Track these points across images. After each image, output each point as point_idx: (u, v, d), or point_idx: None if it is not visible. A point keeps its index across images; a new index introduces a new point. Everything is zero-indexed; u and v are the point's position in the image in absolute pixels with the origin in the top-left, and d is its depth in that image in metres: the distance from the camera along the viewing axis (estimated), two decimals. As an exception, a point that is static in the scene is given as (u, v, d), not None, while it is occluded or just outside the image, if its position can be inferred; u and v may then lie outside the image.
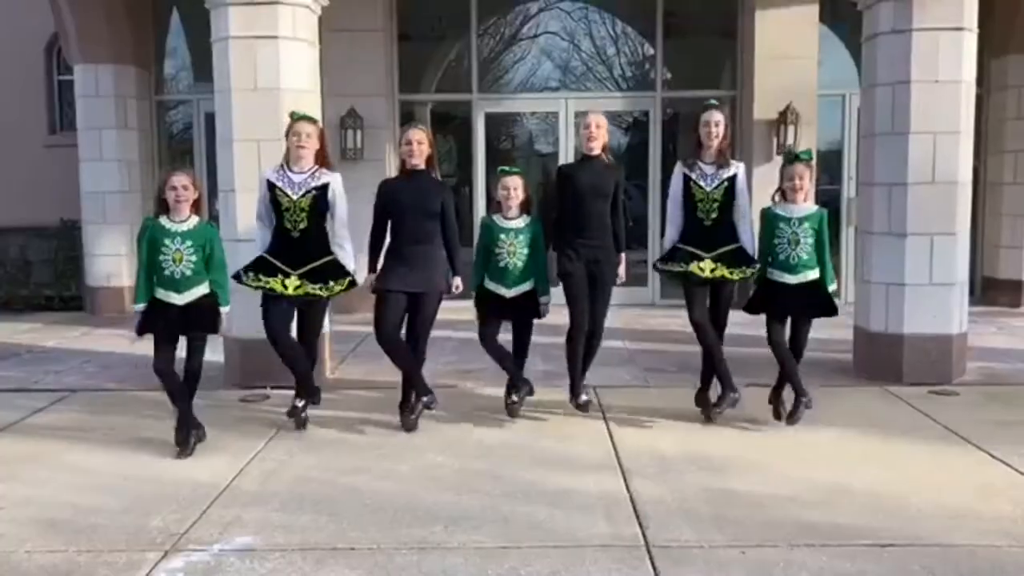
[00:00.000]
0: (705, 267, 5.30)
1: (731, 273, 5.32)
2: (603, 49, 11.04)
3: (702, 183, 5.35)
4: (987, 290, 10.53)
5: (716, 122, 5.34)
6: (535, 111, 11.32)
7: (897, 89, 6.42)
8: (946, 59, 6.33)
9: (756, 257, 5.38)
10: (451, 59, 11.23)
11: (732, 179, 5.35)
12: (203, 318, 5.05)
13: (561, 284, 5.49)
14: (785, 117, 9.69)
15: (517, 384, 5.53)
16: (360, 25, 9.79)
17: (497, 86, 11.03)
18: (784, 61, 9.74)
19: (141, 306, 5.00)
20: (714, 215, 5.35)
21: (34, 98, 11.97)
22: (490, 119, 10.75)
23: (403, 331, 5.45)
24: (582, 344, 5.51)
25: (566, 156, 10.37)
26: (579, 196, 5.41)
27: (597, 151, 5.45)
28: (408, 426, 5.40)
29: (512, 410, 5.56)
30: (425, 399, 5.37)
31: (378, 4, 9.97)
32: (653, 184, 10.31)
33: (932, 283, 6.48)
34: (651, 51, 10.75)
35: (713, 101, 5.53)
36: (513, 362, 5.59)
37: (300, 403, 5.40)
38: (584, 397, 5.57)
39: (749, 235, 5.43)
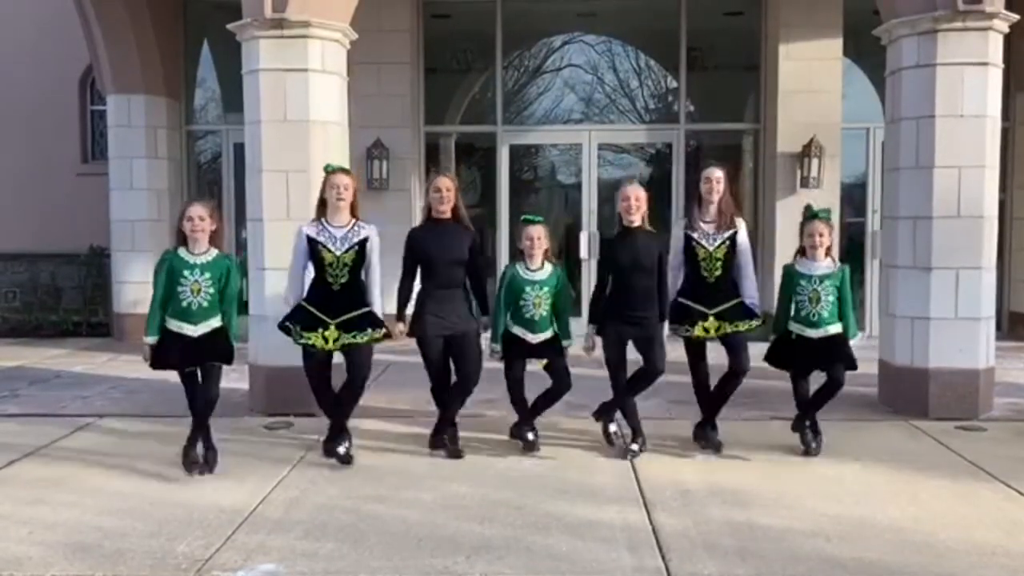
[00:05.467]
0: (710, 327, 5.40)
1: (735, 326, 5.38)
2: (626, 82, 11.12)
3: (704, 242, 5.42)
4: (1014, 325, 10.39)
5: (718, 179, 5.42)
6: (558, 143, 11.41)
7: (921, 123, 6.43)
8: (971, 94, 6.34)
9: (759, 310, 5.51)
10: (476, 91, 11.35)
11: (733, 237, 5.42)
12: (216, 348, 5.10)
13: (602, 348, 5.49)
14: (809, 150, 9.71)
15: (522, 434, 5.54)
16: (388, 58, 9.98)
17: (521, 118, 11.12)
18: (808, 94, 9.78)
19: (153, 339, 5.05)
20: (718, 272, 5.43)
21: (68, 128, 12.19)
22: (514, 150, 10.85)
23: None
24: (626, 398, 5.47)
25: (589, 187, 10.45)
26: (622, 271, 5.34)
27: (638, 223, 5.35)
28: (456, 454, 5.48)
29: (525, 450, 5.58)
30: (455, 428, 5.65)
31: (406, 37, 10.17)
32: (676, 216, 10.32)
33: (958, 317, 6.45)
34: (674, 84, 10.82)
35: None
36: (531, 416, 5.58)
37: (345, 446, 5.38)
38: (635, 447, 5.46)
39: (753, 288, 5.53)
